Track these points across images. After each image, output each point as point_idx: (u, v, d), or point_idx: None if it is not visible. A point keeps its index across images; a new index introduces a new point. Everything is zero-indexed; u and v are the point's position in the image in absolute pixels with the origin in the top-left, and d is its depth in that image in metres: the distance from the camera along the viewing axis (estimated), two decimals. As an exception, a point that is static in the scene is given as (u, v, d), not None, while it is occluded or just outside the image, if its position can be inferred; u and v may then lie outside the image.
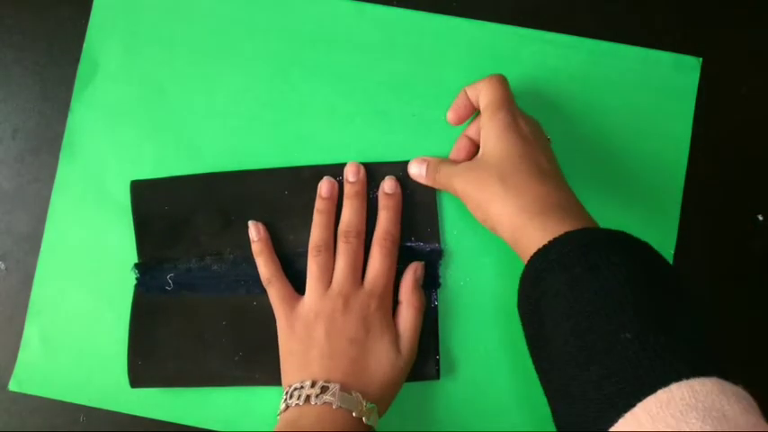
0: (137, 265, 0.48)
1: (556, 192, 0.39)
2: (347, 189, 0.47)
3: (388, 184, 0.47)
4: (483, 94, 0.44)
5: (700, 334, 0.31)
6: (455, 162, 0.45)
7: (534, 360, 0.36)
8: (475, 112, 0.46)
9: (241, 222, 0.48)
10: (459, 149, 0.46)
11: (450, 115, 0.46)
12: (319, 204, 0.47)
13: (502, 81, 0.44)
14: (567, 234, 0.36)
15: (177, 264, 0.48)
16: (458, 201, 0.48)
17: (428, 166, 0.46)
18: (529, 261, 0.36)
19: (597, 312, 0.32)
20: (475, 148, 0.45)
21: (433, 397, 0.47)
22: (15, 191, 0.50)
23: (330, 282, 0.45)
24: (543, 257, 0.36)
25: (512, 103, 0.43)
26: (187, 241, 0.48)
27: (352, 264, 0.45)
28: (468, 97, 0.45)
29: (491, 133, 0.42)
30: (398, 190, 0.47)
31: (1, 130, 0.51)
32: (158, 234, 0.48)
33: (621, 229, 0.47)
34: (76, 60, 0.50)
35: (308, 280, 0.45)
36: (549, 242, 0.36)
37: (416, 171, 0.47)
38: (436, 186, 0.46)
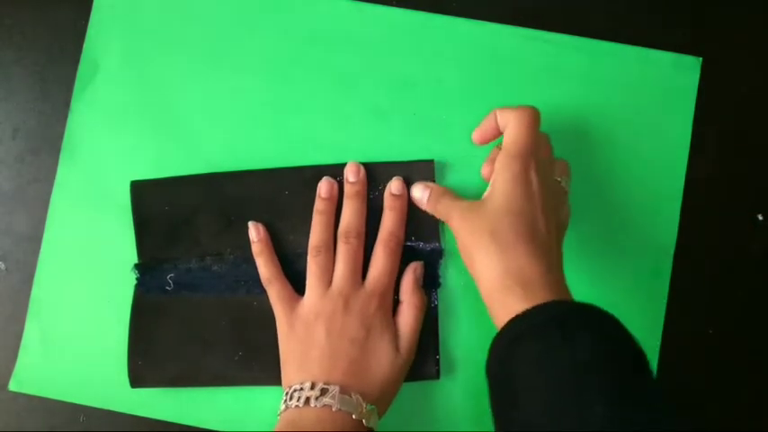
0: (137, 266, 0.48)
1: (541, 262, 0.38)
2: (347, 189, 0.47)
3: (395, 185, 0.47)
4: (508, 129, 0.42)
5: (662, 411, 0.33)
6: (456, 196, 0.44)
7: (498, 420, 0.37)
8: (501, 136, 0.44)
9: (241, 223, 0.48)
10: (483, 131, 0.44)
11: (476, 135, 0.45)
12: (319, 205, 0.47)
13: (530, 121, 0.42)
14: (547, 304, 0.36)
15: (177, 264, 0.48)
16: (458, 201, 0.48)
17: (431, 193, 0.45)
18: (507, 324, 0.37)
19: (571, 384, 0.33)
20: (498, 134, 0.44)
21: (432, 397, 0.47)
22: (15, 191, 0.50)
23: (330, 282, 0.45)
24: (522, 323, 0.36)
25: (531, 150, 0.41)
26: (187, 241, 0.48)
27: (353, 264, 0.45)
28: (496, 122, 0.44)
29: (499, 179, 0.41)
30: (405, 191, 0.47)
31: (1, 130, 0.51)
32: (158, 234, 0.48)
33: (622, 228, 0.48)
34: (76, 60, 0.50)
35: (307, 280, 0.45)
36: (529, 309, 0.36)
37: (419, 196, 0.46)
38: (435, 215, 0.45)
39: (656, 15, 0.50)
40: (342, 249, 0.45)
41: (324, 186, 0.47)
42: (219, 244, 0.48)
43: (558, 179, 0.44)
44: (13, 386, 0.48)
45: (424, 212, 0.47)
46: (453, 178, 0.48)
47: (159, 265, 0.48)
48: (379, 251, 0.45)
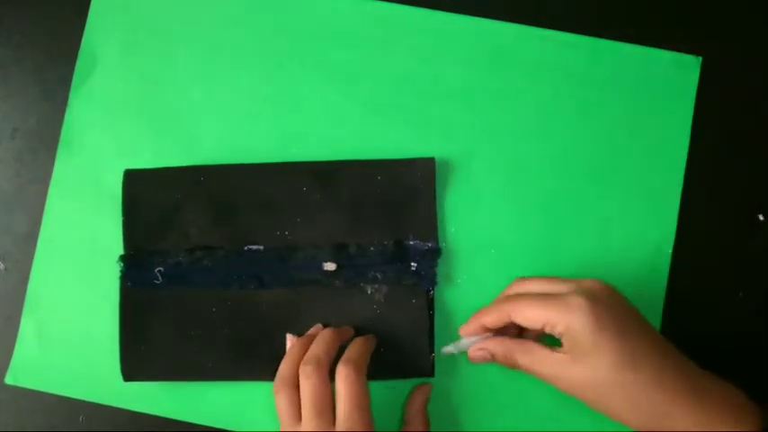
0: (122, 257, 0.48)
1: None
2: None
3: (367, 336, 0.46)
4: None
5: None
6: None
7: None
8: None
9: (233, 216, 0.47)
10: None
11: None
12: (302, 339, 0.45)
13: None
14: None
15: (166, 258, 0.48)
16: (456, 199, 0.48)
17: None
18: None
19: None
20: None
21: (431, 396, 0.47)
22: (14, 191, 0.50)
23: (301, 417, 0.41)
24: None
25: None
26: (176, 234, 0.48)
27: (315, 402, 0.40)
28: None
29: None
30: (374, 339, 0.46)
31: (0, 129, 0.51)
32: (147, 224, 0.48)
33: (620, 227, 0.48)
34: (75, 60, 0.51)
35: (278, 416, 0.42)
36: None
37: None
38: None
39: (656, 15, 0.50)
40: (302, 386, 0.41)
41: (313, 330, 0.46)
42: (210, 237, 0.48)
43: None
44: (9, 379, 0.48)
45: (422, 211, 0.47)
46: (454, 176, 0.48)
47: (147, 257, 0.48)
48: (338, 383, 0.41)
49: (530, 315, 0.39)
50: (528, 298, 0.40)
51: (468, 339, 0.44)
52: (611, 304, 0.39)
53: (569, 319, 0.38)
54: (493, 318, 0.42)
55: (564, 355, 0.39)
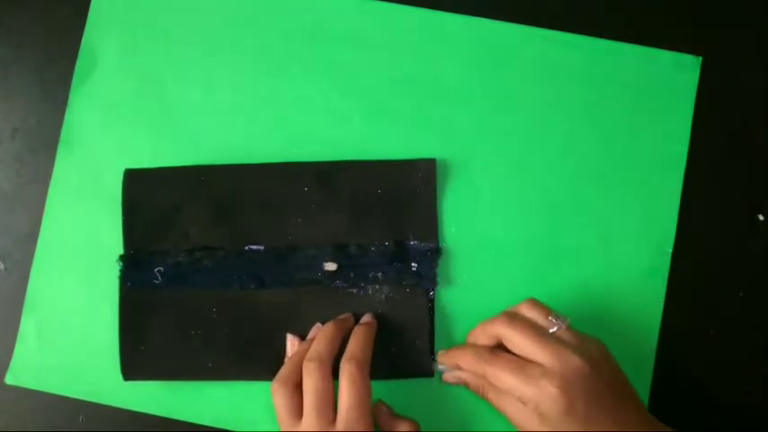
0: (122, 257, 0.48)
1: None
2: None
3: (365, 317, 0.46)
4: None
5: None
6: None
7: None
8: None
9: (235, 216, 0.48)
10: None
11: None
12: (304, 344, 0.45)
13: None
14: None
15: (166, 258, 0.48)
16: (456, 199, 0.48)
17: None
18: None
19: None
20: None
21: (430, 396, 0.47)
22: (14, 191, 0.50)
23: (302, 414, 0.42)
24: None
25: None
26: (176, 234, 0.48)
27: (317, 401, 0.41)
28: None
29: None
30: (374, 321, 0.46)
31: (0, 129, 0.51)
32: (147, 224, 0.48)
33: (620, 227, 0.48)
34: (75, 60, 0.50)
35: (276, 414, 0.43)
36: None
37: None
38: None
39: (656, 15, 0.50)
40: (305, 383, 0.42)
41: (313, 333, 0.46)
42: (210, 237, 0.48)
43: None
44: (9, 379, 0.48)
45: (422, 211, 0.47)
46: (454, 176, 0.48)
47: (147, 257, 0.48)
48: (342, 380, 0.41)
49: (503, 383, 0.40)
50: (504, 363, 0.41)
51: (444, 366, 0.46)
52: (585, 389, 0.39)
53: (539, 402, 0.39)
54: (469, 367, 0.43)
55: (531, 412, 0.40)
